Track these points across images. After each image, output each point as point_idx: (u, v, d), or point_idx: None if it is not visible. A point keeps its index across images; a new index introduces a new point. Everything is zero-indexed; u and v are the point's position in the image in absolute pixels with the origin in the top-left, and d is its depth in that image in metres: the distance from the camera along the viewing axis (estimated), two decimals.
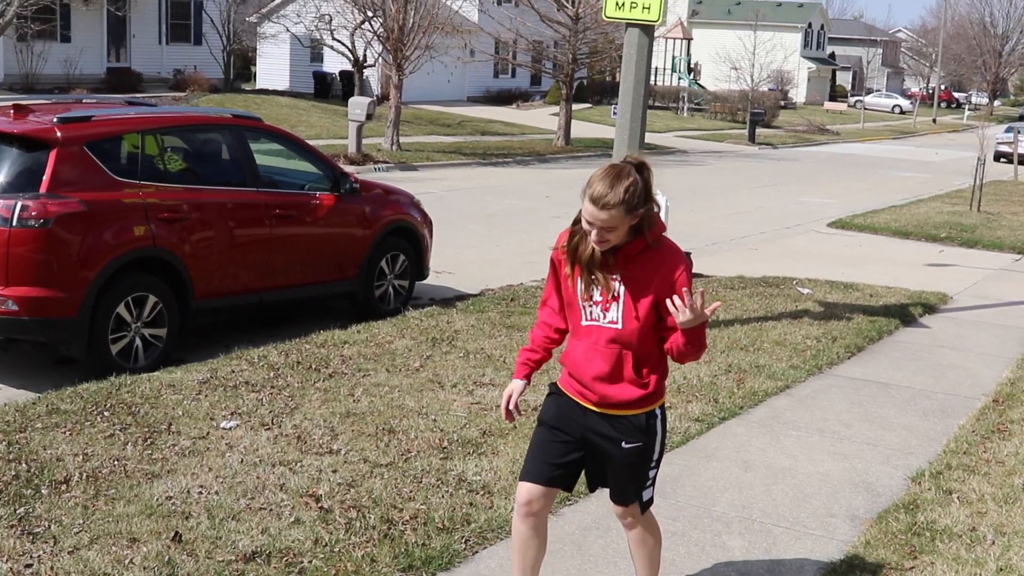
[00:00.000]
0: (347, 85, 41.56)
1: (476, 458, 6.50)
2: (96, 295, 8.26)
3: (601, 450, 4.33)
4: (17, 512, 5.49)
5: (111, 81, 38.12)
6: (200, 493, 5.83)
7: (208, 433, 6.82)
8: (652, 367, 4.27)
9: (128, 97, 11.55)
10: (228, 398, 7.52)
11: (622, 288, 4.17)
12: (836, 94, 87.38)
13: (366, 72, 39.30)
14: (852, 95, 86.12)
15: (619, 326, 4.19)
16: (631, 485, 4.39)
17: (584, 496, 6.06)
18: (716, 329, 10.26)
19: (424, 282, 11.89)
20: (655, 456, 4.38)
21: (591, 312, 4.24)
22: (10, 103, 9.15)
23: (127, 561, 5.00)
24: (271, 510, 5.66)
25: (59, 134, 8.30)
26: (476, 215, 18.32)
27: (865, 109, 68.35)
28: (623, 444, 4.29)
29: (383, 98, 35.88)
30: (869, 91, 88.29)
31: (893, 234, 18.97)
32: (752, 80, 50.27)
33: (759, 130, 45.51)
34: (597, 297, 4.21)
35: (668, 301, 4.04)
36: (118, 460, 6.28)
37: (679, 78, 63.23)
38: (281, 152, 10.69)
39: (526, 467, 4.42)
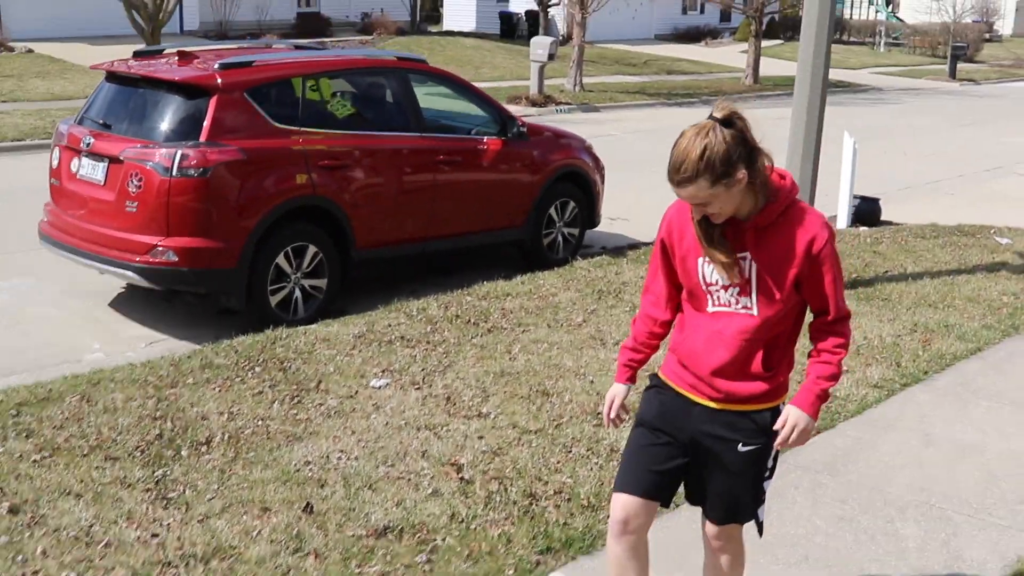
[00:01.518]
0: (532, 25, 41.06)
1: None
2: (255, 245, 8.13)
3: (710, 455, 3.67)
4: (155, 474, 5.36)
5: (301, 26, 38.56)
6: (339, 458, 5.59)
7: (357, 392, 6.58)
8: (781, 357, 3.63)
9: (296, 41, 11.37)
10: (382, 354, 7.28)
11: (754, 268, 3.50)
12: None
13: (551, 11, 38.69)
14: None
15: (754, 312, 3.52)
16: (746, 498, 3.72)
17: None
18: (903, 284, 9.53)
19: (597, 229, 11.45)
20: (770, 463, 3.73)
21: (719, 297, 3.56)
22: (175, 49, 9.06)
23: (255, 533, 4.78)
24: (410, 479, 5.37)
25: (219, 80, 8.15)
26: (657, 158, 17.55)
27: None
28: (739, 447, 3.63)
29: (568, 38, 35.31)
30: None
31: None
32: (955, 12, 47.64)
33: (961, 65, 43.11)
34: (724, 281, 3.53)
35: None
36: (262, 420, 6.09)
37: (876, 11, 60.50)
38: (447, 95, 10.37)
39: (622, 475, 3.76)
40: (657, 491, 3.72)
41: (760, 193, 3.44)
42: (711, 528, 3.82)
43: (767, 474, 3.75)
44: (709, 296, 3.58)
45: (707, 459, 3.68)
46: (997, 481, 5.74)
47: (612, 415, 3.86)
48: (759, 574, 4.61)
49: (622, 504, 3.70)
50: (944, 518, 5.29)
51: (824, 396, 3.59)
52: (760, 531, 3.85)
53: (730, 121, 3.36)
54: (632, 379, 3.86)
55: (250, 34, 34.41)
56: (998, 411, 6.78)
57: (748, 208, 3.46)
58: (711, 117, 3.37)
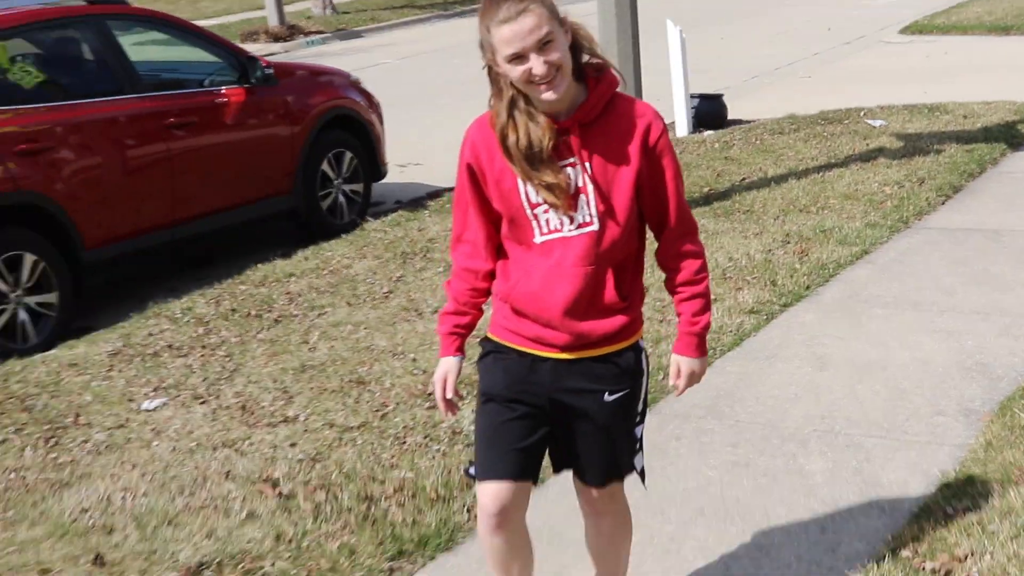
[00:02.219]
0: None
1: (471, 400, 6.48)
2: None
3: (575, 413, 3.94)
4: None
5: None
6: (124, 499, 5.87)
7: (127, 420, 6.85)
8: (632, 279, 3.90)
9: None
10: (148, 370, 7.56)
11: (586, 176, 3.71)
12: None
13: None
14: None
15: (595, 227, 3.73)
16: (623, 451, 4.04)
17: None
18: (766, 190, 10.25)
19: (383, 182, 11.86)
20: (640, 406, 4.04)
21: (548, 221, 3.75)
22: None
23: None
24: (217, 506, 5.70)
25: None
26: (444, 85, 18.15)
27: None
28: (605, 396, 3.91)
29: None
30: None
31: (988, 31, 18.88)
32: None
33: None
34: (552, 198, 3.69)
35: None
36: (16, 471, 6.32)
37: None
38: (165, 42, 10.58)
39: (485, 462, 3.98)
40: (526, 470, 3.97)
41: (579, 79, 3.69)
42: (590, 493, 4.18)
43: (639, 419, 4.08)
44: (535, 222, 3.77)
45: (571, 418, 3.96)
46: (907, 395, 6.39)
47: (448, 395, 4.04)
48: (650, 536, 5.12)
49: (493, 493, 3.94)
50: (853, 444, 5.89)
51: (705, 330, 3.97)
52: (643, 479, 4.24)
53: None
54: (461, 349, 4.04)
55: None
56: (898, 317, 7.47)
57: (570, 96, 3.66)
58: None
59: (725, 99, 13.88)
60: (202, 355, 7.76)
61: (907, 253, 8.64)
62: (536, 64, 3.54)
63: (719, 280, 8.13)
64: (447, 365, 4.03)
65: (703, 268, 3.95)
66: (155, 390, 7.25)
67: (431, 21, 27.91)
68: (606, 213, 3.74)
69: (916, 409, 6.22)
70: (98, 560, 5.30)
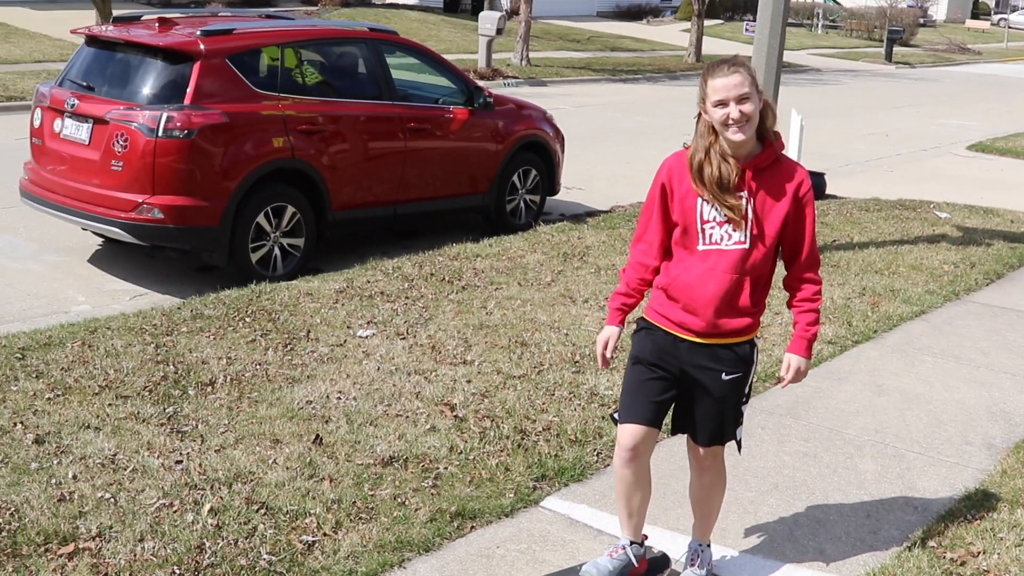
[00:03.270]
0: None
1: (608, 373, 6.51)
2: (237, 205, 8.46)
3: (698, 385, 4.11)
4: (166, 411, 5.72)
5: None
6: (339, 398, 5.99)
7: (345, 341, 6.98)
8: (762, 292, 4.09)
9: (265, 11, 11.63)
10: (364, 307, 7.68)
11: (750, 206, 3.95)
12: (979, 12, 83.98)
13: None
14: (996, 13, 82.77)
15: (746, 246, 3.96)
16: (729, 421, 4.19)
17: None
18: (850, 252, 10.09)
19: (555, 198, 11.90)
20: (747, 389, 4.20)
21: (711, 235, 3.98)
22: (155, 16, 9.34)
23: (271, 461, 5.18)
24: (407, 417, 5.79)
25: (202, 47, 8.46)
26: (606, 132, 18.16)
27: (1009, 28, 65.59)
28: (723, 376, 4.08)
29: (513, 13, 35.63)
30: (1014, 8, 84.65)
31: None
32: None
33: (896, 48, 44.12)
34: (721, 218, 3.95)
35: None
36: (260, 364, 6.47)
37: None
38: (416, 66, 10.73)
39: (626, 408, 4.16)
40: (657, 419, 4.15)
41: (760, 136, 3.96)
42: (699, 451, 4.27)
43: (744, 399, 4.22)
44: (701, 235, 3.98)
45: (694, 388, 4.12)
46: (943, 425, 6.28)
47: (608, 354, 4.21)
48: (735, 499, 5.10)
49: (630, 433, 4.12)
50: (898, 455, 5.81)
51: (813, 339, 4.12)
52: (739, 448, 4.37)
53: (745, 64, 3.95)
54: (622, 322, 4.24)
55: (194, 2, 34.33)
56: (942, 365, 7.33)
57: (750, 147, 3.95)
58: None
59: (826, 177, 13.69)
60: (405, 303, 7.85)
61: (955, 318, 8.46)
62: (733, 110, 3.84)
63: None
64: (610, 331, 4.22)
65: (819, 293, 4.14)
66: (368, 323, 7.36)
67: (601, 82, 27.84)
68: (757, 237, 3.97)
69: (950, 437, 6.12)
70: (317, 440, 5.42)
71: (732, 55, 4.01)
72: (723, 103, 3.85)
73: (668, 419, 4.30)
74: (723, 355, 4.07)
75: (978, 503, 5.22)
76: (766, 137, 3.98)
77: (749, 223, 3.95)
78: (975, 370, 7.29)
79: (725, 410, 4.17)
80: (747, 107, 3.84)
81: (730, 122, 3.86)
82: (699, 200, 3.98)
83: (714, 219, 3.97)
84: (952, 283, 9.32)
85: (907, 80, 35.93)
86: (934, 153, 18.73)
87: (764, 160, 3.96)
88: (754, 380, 4.21)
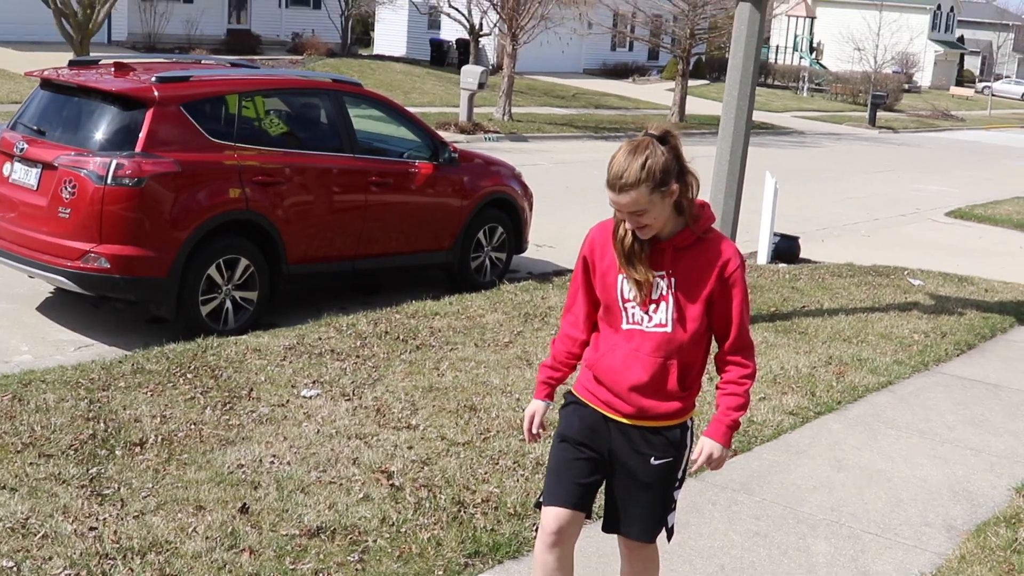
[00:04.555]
0: (463, 53, 41.52)
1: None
2: (187, 256, 8.25)
3: (625, 469, 3.86)
4: (90, 472, 5.47)
5: (231, 43, 38.54)
6: (272, 463, 5.75)
7: (288, 401, 6.75)
8: (695, 376, 3.83)
9: (232, 59, 11.48)
10: (312, 365, 7.45)
11: (671, 287, 3.72)
12: (963, 79, 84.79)
13: (482, 41, 39.24)
14: (980, 81, 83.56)
15: (668, 329, 3.72)
16: (658, 509, 3.91)
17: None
18: (819, 319, 9.92)
19: (523, 255, 11.71)
20: (680, 473, 3.93)
21: (633, 315, 3.76)
22: (111, 61, 9.18)
23: (191, 529, 4.93)
24: (341, 484, 5.55)
25: (156, 93, 8.28)
26: (584, 189, 18.00)
27: (993, 95, 66.21)
28: (652, 460, 3.83)
29: (498, 68, 35.72)
30: (998, 77, 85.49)
31: (1015, 227, 18.27)
32: (875, 62, 49.06)
33: (880, 113, 44.41)
34: (641, 297, 3.73)
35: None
36: (195, 424, 6.23)
37: (800, 57, 61.96)
38: (381, 119, 10.57)
39: (551, 489, 3.91)
40: (583, 503, 3.89)
41: (684, 213, 3.69)
42: (628, 544, 4.01)
43: (677, 484, 3.96)
44: (624, 313, 3.77)
45: (623, 472, 3.87)
46: (903, 504, 6.07)
47: (534, 430, 4.04)
48: None
49: (555, 516, 3.86)
50: (853, 536, 5.59)
51: (735, 426, 3.82)
52: (669, 536, 4.04)
53: (665, 138, 3.61)
54: (550, 396, 4.05)
55: (179, 48, 34.38)
56: (906, 440, 7.13)
57: (671, 227, 3.69)
58: (647, 134, 3.62)
59: (800, 241, 13.56)
60: (355, 362, 7.63)
61: (923, 390, 8.27)
62: (630, 220, 3.65)
63: (769, 383, 7.85)
64: (536, 406, 4.05)
65: (748, 377, 3.83)
66: (314, 382, 7.13)
67: (582, 139, 27.82)
68: (679, 320, 3.73)
69: (909, 517, 5.90)
70: (243, 508, 5.18)
71: (639, 139, 3.59)
72: (616, 210, 3.67)
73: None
74: (652, 439, 3.83)
75: None
76: (689, 213, 3.72)
77: (670, 304, 3.72)
78: (940, 445, 7.09)
79: (654, 497, 3.90)
80: (644, 219, 3.62)
81: (628, 226, 3.69)
82: (620, 277, 3.77)
83: (634, 298, 3.76)
84: (921, 353, 9.14)
85: (890, 144, 36.07)
86: (912, 219, 18.68)
87: (683, 240, 3.71)
88: (688, 463, 3.94)
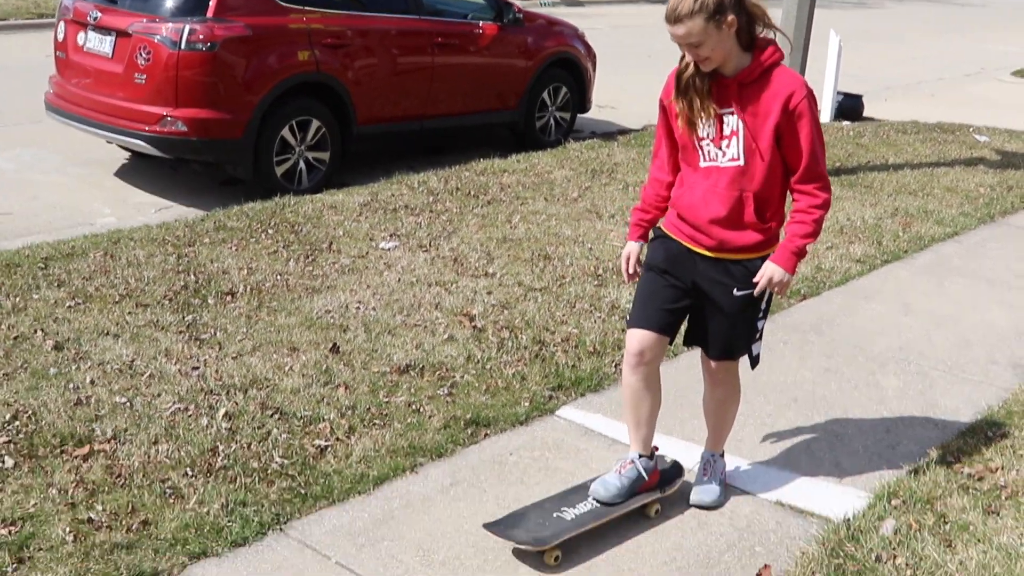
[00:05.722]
0: None
1: (630, 286, 6.47)
2: (261, 118, 8.43)
3: (709, 298, 4.01)
4: (186, 319, 5.74)
5: None
6: (358, 308, 6.00)
7: (367, 252, 6.97)
8: (775, 210, 3.92)
9: None
10: (387, 220, 7.66)
11: (740, 122, 3.78)
12: None
13: None
14: None
15: (741, 163, 3.81)
16: (741, 337, 4.09)
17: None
18: (884, 173, 9.96)
19: (586, 116, 11.79)
20: (763, 305, 4.06)
21: (708, 151, 3.86)
22: None
23: (287, 368, 5.19)
24: (426, 327, 5.79)
25: None
26: (641, 52, 17.95)
27: None
28: (735, 291, 3.96)
29: None
30: None
31: None
32: None
33: None
34: (713, 134, 3.82)
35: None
36: (281, 275, 6.48)
37: None
38: None
39: (636, 313, 4.07)
40: (667, 327, 4.06)
41: (747, 49, 3.74)
42: (711, 364, 4.22)
43: (760, 315, 4.11)
44: (700, 152, 3.88)
45: (706, 301, 4.04)
46: (971, 345, 6.20)
47: (630, 269, 4.19)
48: (753, 411, 5.08)
49: (638, 338, 4.03)
50: (921, 373, 5.75)
51: (800, 252, 3.87)
52: (753, 364, 4.24)
53: None
54: (644, 237, 4.20)
55: None
56: (973, 287, 7.23)
57: (734, 63, 3.75)
58: None
59: (864, 100, 13.49)
60: (429, 217, 7.83)
61: (989, 240, 8.33)
62: (688, 54, 3.73)
63: (836, 233, 7.96)
64: (630, 247, 4.19)
65: (819, 207, 3.86)
66: (391, 235, 7.35)
67: (640, 3, 27.49)
68: (751, 153, 3.80)
69: (976, 357, 6.04)
70: (334, 348, 5.43)
71: None
72: (678, 45, 3.75)
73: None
74: (735, 271, 3.96)
75: (1000, 421, 5.15)
76: (756, 46, 3.76)
77: (741, 139, 3.80)
78: (1006, 292, 7.19)
79: (737, 325, 4.07)
80: (702, 51, 3.68)
81: (692, 61, 3.77)
82: (692, 115, 3.86)
83: (708, 135, 3.85)
84: (987, 205, 9.17)
85: (953, 4, 35.24)
86: (977, 78, 18.40)
87: (749, 74, 3.76)
88: (772, 294, 4.07)
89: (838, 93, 13.14)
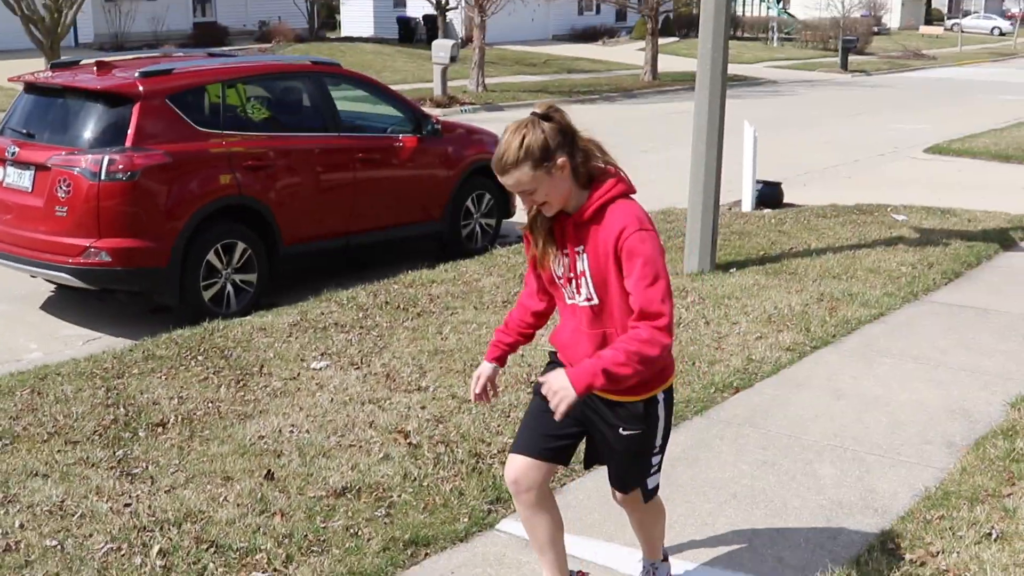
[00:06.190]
0: (431, 29, 41.54)
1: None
2: (185, 244, 8.42)
3: (599, 432, 3.84)
4: (116, 454, 5.65)
5: (198, 36, 38.60)
6: (291, 432, 5.94)
7: (299, 374, 6.93)
8: None
9: (210, 49, 11.62)
10: (318, 339, 7.64)
11: (586, 262, 3.61)
12: (932, 18, 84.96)
13: (449, 15, 39.22)
14: (949, 18, 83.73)
15: (595, 302, 3.64)
16: (633, 472, 3.90)
17: (673, 428, 6.05)
18: (808, 259, 10.13)
19: (511, 220, 11.89)
20: (657, 442, 3.85)
21: (567, 290, 3.71)
22: (93, 60, 9.31)
23: (221, 499, 5.12)
24: (361, 447, 5.74)
25: (141, 88, 8.42)
26: None
27: (962, 32, 66.30)
28: (621, 431, 3.76)
29: (467, 40, 35.80)
30: (966, 13, 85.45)
31: (992, 158, 18.47)
32: (843, 7, 49.15)
33: (852, 57, 44.56)
34: (568, 273, 3.67)
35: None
36: (212, 402, 6.42)
37: (768, 8, 62.06)
38: (362, 97, 10.73)
39: (516, 438, 3.92)
40: (550, 453, 3.86)
41: (586, 185, 3.59)
42: (614, 492, 4.05)
43: (654, 450, 3.88)
44: (562, 290, 3.74)
45: (597, 433, 3.87)
46: (903, 426, 6.27)
47: (477, 390, 4.01)
48: (693, 511, 5.08)
49: (514, 466, 3.87)
50: (857, 459, 5.80)
51: (599, 375, 3.47)
52: (646, 497, 3.98)
53: (548, 116, 3.53)
54: (499, 360, 4.05)
55: (146, 45, 34.35)
56: (901, 367, 7.34)
57: (575, 201, 3.60)
58: (532, 113, 3.55)
59: (783, 187, 13.75)
60: (360, 332, 7.82)
61: (913, 318, 8.49)
62: (524, 201, 3.61)
63: (765, 322, 8.06)
64: (482, 367, 4.05)
65: (645, 342, 3.46)
66: (322, 354, 7.32)
67: (557, 104, 27.91)
68: (603, 292, 3.63)
69: (909, 437, 6.11)
70: (269, 474, 5.37)
71: (521, 119, 3.54)
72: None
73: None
74: (618, 411, 3.76)
75: (938, 502, 5.19)
76: (594, 182, 3.61)
77: (590, 278, 3.62)
78: (934, 369, 7.30)
79: (629, 461, 3.89)
80: (537, 197, 3.55)
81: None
82: (545, 256, 3.73)
83: (563, 274, 3.71)
84: (910, 284, 9.35)
85: (863, 87, 36.25)
86: (891, 158, 18.87)
87: (582, 214, 3.60)
88: (668, 428, 3.87)
89: (757, 182, 13.39)
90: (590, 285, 3.63)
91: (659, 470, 3.97)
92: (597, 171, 3.63)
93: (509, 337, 4.04)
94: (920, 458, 5.83)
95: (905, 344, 7.83)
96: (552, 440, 3.85)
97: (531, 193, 3.53)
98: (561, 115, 3.55)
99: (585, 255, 3.61)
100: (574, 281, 3.67)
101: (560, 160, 3.50)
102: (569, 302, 3.73)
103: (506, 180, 3.53)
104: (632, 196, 3.66)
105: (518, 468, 3.86)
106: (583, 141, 3.60)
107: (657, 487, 4.00)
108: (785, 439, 6.06)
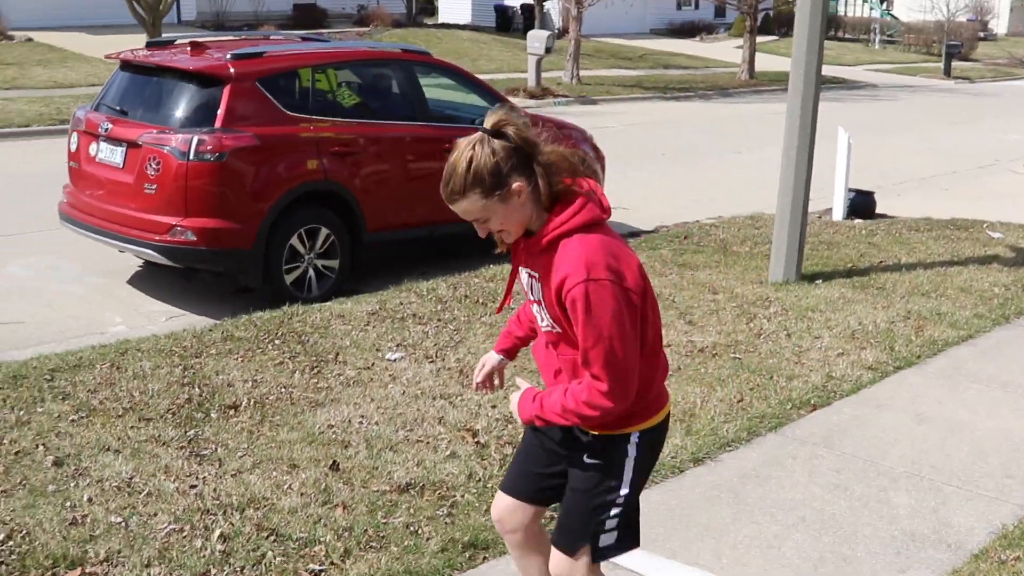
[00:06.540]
0: (528, 18, 41.45)
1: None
2: (270, 227, 8.47)
3: (567, 460, 3.40)
4: (187, 434, 5.70)
5: (297, 17, 38.92)
6: (360, 423, 5.94)
7: (373, 364, 6.94)
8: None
9: (304, 33, 11.69)
10: (395, 330, 7.64)
11: (542, 289, 3.15)
12: None
13: (547, 5, 39.10)
14: None
15: (558, 330, 3.19)
16: (585, 519, 3.33)
17: (745, 443, 5.96)
18: (897, 274, 9.90)
19: None
20: (621, 491, 3.31)
21: (536, 311, 3.28)
22: (187, 40, 9.41)
23: (286, 486, 5.13)
24: (428, 443, 5.72)
25: (232, 70, 8.49)
26: (654, 150, 18.07)
27: None
28: (584, 457, 3.31)
29: (564, 31, 35.64)
30: None
31: None
32: (949, 10, 48.12)
33: (955, 63, 43.55)
34: (531, 296, 3.26)
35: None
36: (285, 387, 6.45)
37: (870, 8, 60.99)
38: (451, 86, 10.70)
39: (506, 475, 3.63)
40: (534, 493, 3.54)
41: (551, 207, 3.10)
42: (553, 554, 3.47)
43: (615, 497, 3.33)
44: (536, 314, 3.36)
45: (565, 462, 3.43)
46: (986, 456, 6.09)
47: (480, 379, 3.72)
48: (759, 532, 4.97)
49: (497, 504, 3.62)
50: (934, 488, 5.64)
51: (536, 416, 3.24)
52: (592, 557, 3.39)
53: (500, 132, 3.02)
54: (508, 352, 3.70)
55: (247, 25, 34.77)
56: (989, 393, 7.12)
57: (537, 224, 3.12)
58: (481, 129, 3.06)
59: (876, 196, 13.48)
60: (437, 325, 7.80)
61: (1004, 342, 8.24)
62: (479, 229, 3.18)
63: (848, 338, 7.89)
64: (489, 356, 3.74)
65: (581, 406, 3.09)
66: (397, 345, 7.32)
67: (652, 100, 27.72)
68: (562, 324, 3.15)
69: (991, 470, 5.92)
70: (334, 465, 5.37)
71: (466, 139, 3.04)
72: None
73: None
74: (586, 439, 3.31)
75: (1014, 542, 5.00)
76: (558, 204, 3.10)
77: (545, 307, 3.18)
78: (1023, 398, 7.08)
79: (579, 504, 3.34)
80: (492, 225, 3.10)
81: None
82: (521, 270, 3.29)
83: (531, 296, 3.28)
84: (1002, 306, 9.09)
85: (966, 95, 35.44)
86: (992, 170, 18.40)
87: (536, 244, 3.11)
88: (636, 477, 3.34)
89: (849, 190, 13.13)
90: (546, 313, 3.19)
91: (619, 534, 3.37)
92: (563, 191, 3.09)
93: (520, 330, 3.67)
94: (1000, 492, 5.65)
95: (994, 369, 7.61)
96: (539, 480, 3.51)
97: (484, 222, 3.10)
98: (517, 129, 3.03)
99: (541, 285, 3.16)
100: (536, 305, 3.25)
101: (516, 185, 3.02)
102: (539, 322, 3.32)
103: (455, 208, 3.08)
104: (600, 223, 3.13)
105: (502, 508, 3.59)
106: (546, 156, 3.07)
107: (611, 554, 3.41)
108: (861, 463, 5.91)
